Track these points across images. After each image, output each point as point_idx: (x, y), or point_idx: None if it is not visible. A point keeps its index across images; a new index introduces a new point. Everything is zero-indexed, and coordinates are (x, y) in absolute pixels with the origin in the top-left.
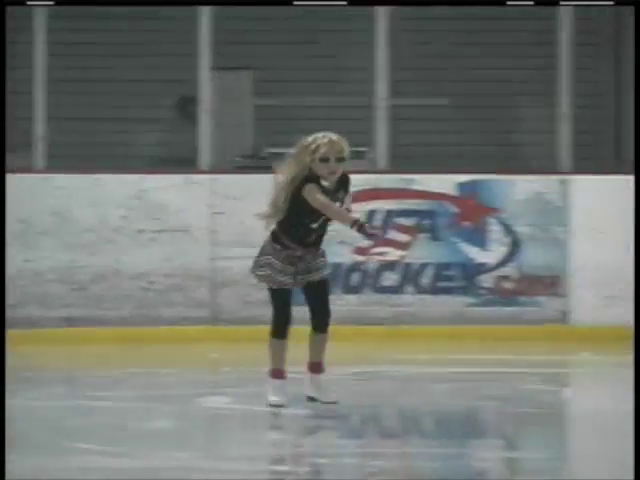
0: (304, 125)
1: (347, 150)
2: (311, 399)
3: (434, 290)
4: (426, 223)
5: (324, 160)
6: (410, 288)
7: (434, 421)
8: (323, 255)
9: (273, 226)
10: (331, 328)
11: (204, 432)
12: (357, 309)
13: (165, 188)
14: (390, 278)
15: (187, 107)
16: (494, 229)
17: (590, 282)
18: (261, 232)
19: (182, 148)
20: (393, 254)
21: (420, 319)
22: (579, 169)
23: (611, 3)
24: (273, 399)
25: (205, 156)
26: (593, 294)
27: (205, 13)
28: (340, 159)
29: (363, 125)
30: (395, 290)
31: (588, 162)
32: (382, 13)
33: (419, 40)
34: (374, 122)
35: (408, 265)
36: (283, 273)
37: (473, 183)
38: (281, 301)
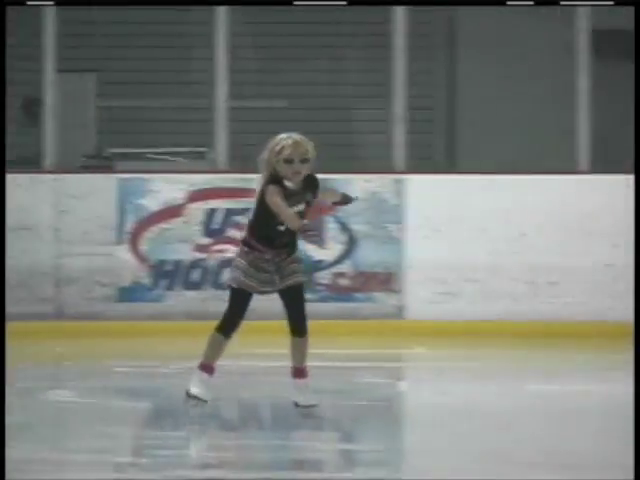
0: (146, 126)
1: (312, 151)
2: (296, 404)
3: None
4: None
5: (288, 161)
6: None
7: (272, 414)
8: (298, 261)
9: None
10: (178, 324)
11: (48, 425)
12: (197, 305)
13: (11, 188)
14: None
15: (32, 108)
16: (331, 227)
17: (424, 279)
18: (104, 231)
19: (27, 148)
20: (232, 251)
21: (259, 314)
22: (413, 169)
23: (611, 3)
24: (195, 390)
25: (50, 156)
26: (427, 290)
27: (50, 16)
28: (304, 160)
29: (204, 126)
30: None
31: (422, 162)
32: (222, 17)
33: (258, 44)
34: (214, 123)
35: None
36: (247, 275)
37: None
38: (236, 302)
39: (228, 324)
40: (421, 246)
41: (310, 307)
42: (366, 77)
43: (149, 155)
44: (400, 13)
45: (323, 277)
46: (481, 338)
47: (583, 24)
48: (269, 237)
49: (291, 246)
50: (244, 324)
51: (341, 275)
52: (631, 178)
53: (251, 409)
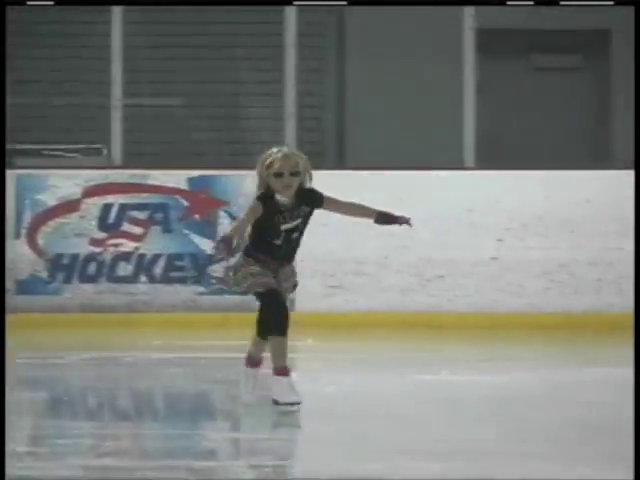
0: (44, 123)
1: (302, 164)
2: (276, 402)
3: (167, 279)
4: (159, 216)
5: (278, 175)
6: (144, 278)
7: (166, 404)
8: (293, 274)
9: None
10: (75, 316)
11: None
12: (93, 298)
13: None
14: (125, 268)
15: None
16: (224, 221)
17: (314, 272)
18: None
19: None
20: (127, 245)
21: (153, 307)
22: None
23: (611, 3)
24: (285, 399)
25: None
26: (317, 283)
27: None
28: (294, 173)
29: (100, 124)
30: (129, 280)
31: (312, 158)
32: (117, 17)
33: (153, 43)
34: (110, 121)
35: (142, 256)
36: (264, 275)
37: (204, 178)
38: (272, 300)
39: (280, 324)
40: (311, 240)
41: (204, 300)
42: (258, 76)
43: (47, 152)
44: (291, 13)
45: (216, 270)
46: (370, 330)
47: (469, 23)
48: (269, 250)
49: (291, 256)
50: (141, 317)
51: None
52: (519, 173)
53: (146, 399)
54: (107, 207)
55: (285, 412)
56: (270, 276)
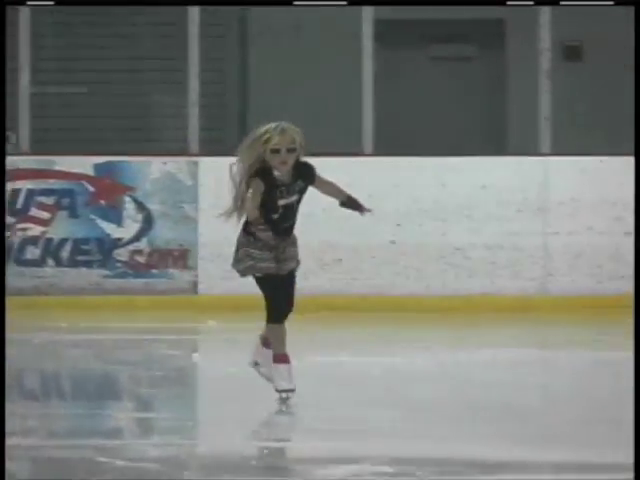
0: None
1: (299, 140)
2: (275, 390)
3: (73, 263)
4: (65, 201)
5: (275, 151)
6: (51, 261)
7: (72, 384)
8: (294, 244)
9: (243, 218)
10: None
11: None
12: None
13: None
14: (32, 252)
15: None
16: (129, 207)
17: (217, 256)
18: None
19: None
20: (35, 230)
21: (60, 290)
22: (207, 151)
23: (611, 3)
24: (283, 385)
25: None
26: (219, 267)
27: None
28: (291, 150)
29: (8, 111)
30: (37, 263)
31: (215, 145)
32: (24, 7)
33: (58, 32)
34: (18, 108)
35: (49, 240)
36: (264, 260)
37: (109, 164)
38: (271, 287)
39: (278, 312)
40: (214, 225)
41: (110, 283)
42: (162, 64)
43: None
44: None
45: (121, 254)
46: None
47: (368, 14)
48: (269, 225)
49: (290, 230)
50: (48, 300)
51: (138, 252)
52: (417, 160)
53: (53, 380)
54: (15, 192)
55: (190, 390)
56: (269, 260)
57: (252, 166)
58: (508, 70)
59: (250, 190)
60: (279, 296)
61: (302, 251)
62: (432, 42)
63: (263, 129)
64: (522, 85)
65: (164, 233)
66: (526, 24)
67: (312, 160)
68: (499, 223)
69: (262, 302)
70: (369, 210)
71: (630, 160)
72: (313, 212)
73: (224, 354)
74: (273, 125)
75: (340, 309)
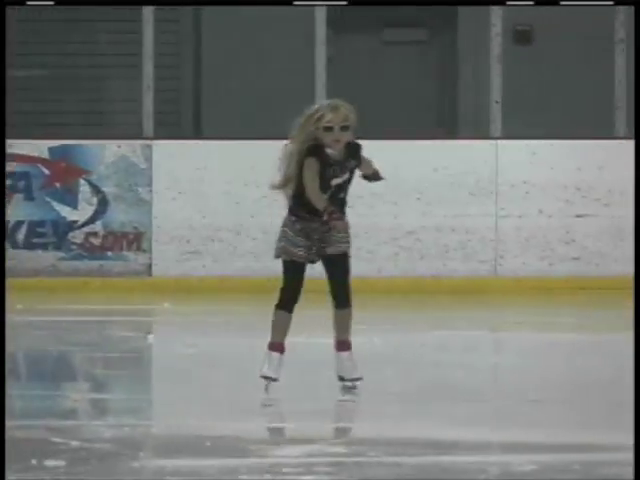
0: None
1: (352, 118)
2: (341, 378)
3: (29, 245)
4: (21, 184)
5: (328, 129)
6: (7, 244)
7: (28, 365)
8: (344, 241)
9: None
10: None
11: None
12: None
13: None
14: None
15: None
16: (84, 189)
17: (171, 238)
18: None
19: None
20: None
21: (16, 272)
22: (161, 135)
23: (611, 3)
24: (265, 371)
25: None
26: (173, 249)
27: None
28: (345, 127)
29: None
30: None
31: (170, 128)
32: None
33: (16, 16)
34: None
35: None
36: (296, 245)
37: (64, 147)
38: (291, 274)
39: (286, 298)
40: (168, 208)
41: (65, 265)
42: (117, 48)
43: None
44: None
45: (76, 237)
46: (224, 294)
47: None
48: (313, 208)
49: (340, 211)
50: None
51: (93, 235)
52: (369, 143)
53: (9, 361)
54: None
55: (145, 372)
56: (302, 247)
57: (303, 147)
58: (460, 54)
59: (306, 173)
60: (292, 285)
61: (256, 234)
62: (385, 27)
63: (315, 107)
64: (473, 69)
65: (119, 216)
66: (478, 9)
67: (265, 143)
68: (451, 206)
69: (216, 284)
70: (385, 178)
71: (583, 143)
72: (265, 195)
73: (178, 336)
74: (325, 103)
75: None
